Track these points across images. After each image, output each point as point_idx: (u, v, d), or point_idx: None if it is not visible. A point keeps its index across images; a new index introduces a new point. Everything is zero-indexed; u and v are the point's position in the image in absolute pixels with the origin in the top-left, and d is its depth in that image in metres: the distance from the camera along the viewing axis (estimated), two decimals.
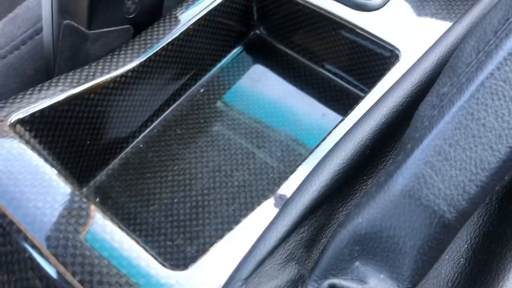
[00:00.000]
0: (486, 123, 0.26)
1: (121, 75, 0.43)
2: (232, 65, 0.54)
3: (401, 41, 0.44)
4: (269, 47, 0.54)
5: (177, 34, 0.46)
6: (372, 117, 0.35)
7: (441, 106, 0.28)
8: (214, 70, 0.53)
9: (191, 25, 0.47)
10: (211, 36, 0.50)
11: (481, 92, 0.27)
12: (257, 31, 0.55)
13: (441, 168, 0.26)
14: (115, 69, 0.43)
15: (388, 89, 0.38)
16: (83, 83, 0.41)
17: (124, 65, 0.43)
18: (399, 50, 0.44)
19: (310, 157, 0.36)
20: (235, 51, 0.54)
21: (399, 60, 0.43)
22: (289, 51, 0.54)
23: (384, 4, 0.47)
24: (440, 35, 0.43)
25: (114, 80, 0.43)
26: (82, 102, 0.41)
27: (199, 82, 0.52)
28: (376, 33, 0.45)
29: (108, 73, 0.42)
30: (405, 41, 0.44)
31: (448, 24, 0.44)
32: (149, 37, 0.46)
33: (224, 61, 0.54)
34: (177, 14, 0.48)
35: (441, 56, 0.40)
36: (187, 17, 0.48)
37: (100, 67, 0.43)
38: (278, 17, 0.52)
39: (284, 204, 0.31)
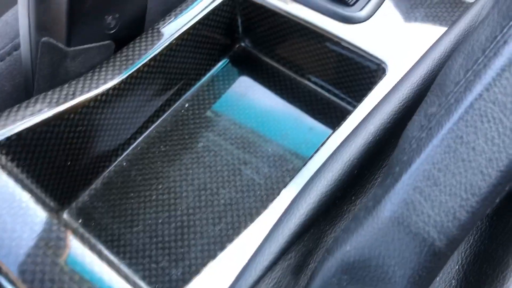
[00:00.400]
0: (476, 147, 0.25)
1: (102, 93, 0.42)
2: (218, 78, 0.53)
3: (387, 54, 0.43)
4: (254, 60, 0.53)
5: (160, 49, 0.45)
6: (359, 135, 0.35)
7: (429, 128, 0.27)
8: (199, 84, 0.52)
9: (174, 39, 0.46)
10: (195, 50, 0.49)
11: (470, 114, 0.26)
12: (242, 44, 0.54)
13: (430, 194, 0.25)
14: (96, 87, 0.42)
15: (375, 106, 0.37)
16: (62, 103, 0.40)
17: (105, 82, 0.42)
18: (385, 64, 0.43)
19: (298, 176, 0.35)
20: (220, 64, 0.53)
21: (386, 74, 0.42)
22: (275, 64, 0.53)
23: (370, 17, 0.46)
24: (427, 47, 0.43)
25: (95, 98, 0.41)
26: (61, 123, 0.40)
27: (184, 97, 0.51)
28: (362, 47, 0.44)
29: (88, 91, 0.41)
30: (391, 54, 0.43)
31: (434, 36, 0.44)
32: (130, 53, 0.45)
33: (209, 74, 0.53)
34: (160, 28, 0.47)
35: (429, 71, 0.39)
36: (170, 31, 0.47)
37: (80, 85, 0.41)
38: (263, 30, 0.51)
39: (271, 229, 0.30)
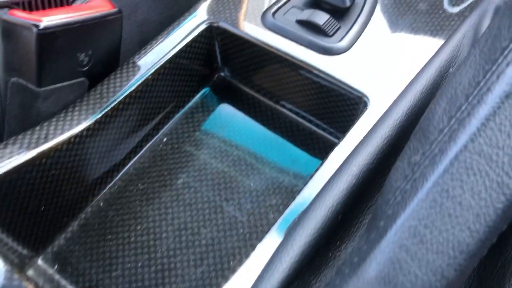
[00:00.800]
0: (463, 201, 0.24)
1: (76, 135, 0.40)
2: (197, 110, 0.51)
3: (368, 86, 0.43)
4: (234, 90, 0.52)
5: (135, 85, 0.44)
6: (342, 179, 0.33)
7: (413, 179, 0.26)
8: (178, 116, 0.51)
9: (150, 74, 0.45)
10: (173, 82, 0.48)
11: (456, 166, 0.25)
12: (222, 74, 0.53)
13: (417, 252, 0.24)
14: (69, 129, 0.40)
15: (358, 145, 0.36)
16: (33, 148, 0.38)
17: (78, 123, 0.41)
18: (367, 97, 0.42)
19: (280, 222, 0.34)
20: (199, 95, 0.52)
21: (367, 107, 0.41)
22: (255, 94, 0.52)
23: (350, 47, 0.45)
24: (408, 78, 0.42)
25: (68, 141, 0.40)
26: (33, 169, 0.38)
27: (162, 131, 0.49)
28: (342, 79, 0.43)
29: (61, 133, 0.40)
30: (372, 87, 0.43)
31: (415, 67, 0.43)
32: (105, 90, 0.43)
33: (188, 106, 0.51)
34: (136, 62, 0.46)
35: (411, 106, 0.38)
36: (147, 65, 0.46)
37: (52, 127, 0.40)
38: (241, 60, 0.50)
39: (253, 285, 0.29)
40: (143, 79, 0.44)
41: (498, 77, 0.26)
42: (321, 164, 0.37)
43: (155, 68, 0.45)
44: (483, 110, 0.26)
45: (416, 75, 0.41)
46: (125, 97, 0.43)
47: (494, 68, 0.27)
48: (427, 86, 0.40)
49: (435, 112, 0.29)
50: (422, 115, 0.39)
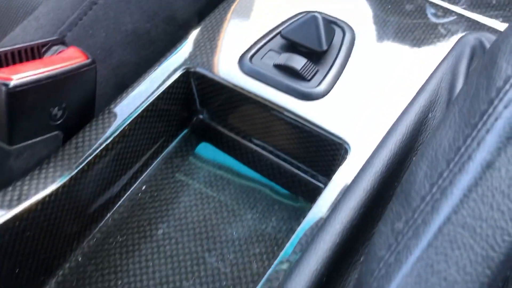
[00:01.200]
0: (448, 277, 0.24)
1: (51, 194, 0.39)
2: (176, 155, 0.50)
3: (348, 132, 0.42)
4: (214, 132, 0.52)
5: (112, 137, 0.43)
6: (325, 238, 0.33)
7: (397, 251, 0.26)
8: (156, 162, 0.50)
9: (127, 124, 0.44)
10: (150, 129, 0.47)
11: (439, 240, 0.25)
12: (201, 116, 0.52)
13: None
14: (44, 188, 0.39)
15: (340, 199, 0.36)
16: (6, 211, 0.37)
17: (53, 181, 0.39)
18: (348, 144, 0.42)
19: (264, 283, 0.33)
20: (178, 139, 0.51)
21: (348, 154, 0.41)
22: (234, 136, 0.51)
23: (328, 92, 0.45)
24: (387, 123, 0.42)
25: (43, 200, 0.38)
26: (5, 233, 0.37)
27: (141, 179, 0.48)
28: (322, 125, 0.43)
29: (35, 193, 0.38)
30: (352, 132, 0.42)
31: (394, 111, 0.43)
32: (80, 144, 0.42)
33: (166, 151, 0.50)
34: (112, 110, 0.45)
35: (392, 155, 0.38)
36: (123, 114, 0.45)
37: (26, 187, 0.38)
38: (220, 104, 0.49)
39: None
40: (120, 130, 0.43)
41: (478, 144, 0.26)
42: (306, 219, 0.37)
43: (132, 118, 0.44)
44: (465, 180, 0.25)
45: (396, 121, 0.41)
46: (101, 150, 0.42)
47: (474, 133, 0.26)
48: (406, 133, 0.39)
49: (416, 175, 0.28)
50: (403, 165, 0.39)
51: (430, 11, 0.52)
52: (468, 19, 0.51)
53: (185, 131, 0.52)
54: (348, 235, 0.34)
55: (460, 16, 0.51)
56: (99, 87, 0.47)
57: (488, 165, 0.25)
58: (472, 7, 0.54)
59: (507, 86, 0.27)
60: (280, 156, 0.49)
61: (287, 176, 0.48)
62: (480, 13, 0.53)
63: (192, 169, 0.49)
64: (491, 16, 0.53)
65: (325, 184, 0.46)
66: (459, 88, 0.42)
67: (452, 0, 0.54)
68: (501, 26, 0.51)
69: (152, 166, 0.49)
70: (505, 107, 0.26)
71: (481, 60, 0.33)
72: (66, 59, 0.42)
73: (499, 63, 0.28)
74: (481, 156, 0.25)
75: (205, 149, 0.51)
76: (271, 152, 0.49)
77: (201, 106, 0.51)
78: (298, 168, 0.48)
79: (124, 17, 0.54)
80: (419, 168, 0.29)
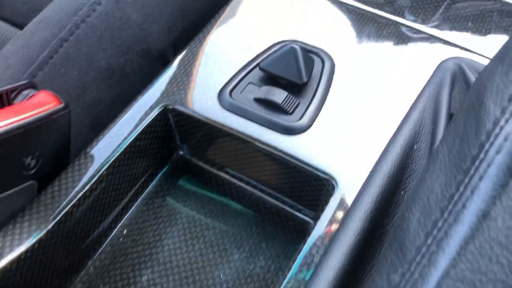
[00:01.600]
0: None
1: (27, 251, 0.37)
2: (157, 195, 0.49)
3: (334, 167, 0.41)
4: (195, 168, 0.50)
5: (90, 184, 0.41)
6: (319, 285, 0.32)
7: None
8: (137, 204, 0.48)
9: (104, 170, 0.42)
10: (129, 172, 0.46)
11: None
12: (181, 152, 0.51)
13: None
14: (19, 245, 0.37)
15: (331, 243, 0.34)
16: None
17: (29, 236, 0.37)
18: (335, 180, 0.41)
19: None
20: (158, 177, 0.50)
21: (335, 190, 0.40)
22: (217, 172, 0.50)
23: (311, 125, 0.44)
24: (373, 156, 0.41)
25: (19, 258, 0.36)
26: None
27: (121, 223, 0.47)
28: (307, 160, 0.42)
29: (10, 251, 0.36)
30: (338, 167, 0.41)
31: (378, 143, 0.42)
32: (56, 193, 0.40)
33: (147, 191, 0.49)
34: (88, 155, 0.43)
35: (380, 192, 0.37)
36: (100, 158, 0.43)
37: None
38: (200, 140, 0.48)
39: None
40: (97, 175, 0.42)
41: (472, 193, 0.25)
42: (294, 266, 0.36)
43: (110, 161, 0.43)
44: (461, 231, 0.24)
45: (381, 155, 0.40)
46: (79, 199, 0.40)
47: (466, 180, 0.26)
48: (393, 167, 0.39)
49: (409, 223, 0.27)
50: (392, 200, 0.38)
51: (406, 34, 0.52)
52: (445, 41, 0.50)
53: (165, 169, 0.50)
54: (341, 282, 0.33)
55: (436, 38, 0.51)
56: (73, 126, 0.45)
57: (484, 215, 0.24)
58: (445, 22, 0.53)
59: (497, 129, 0.26)
60: (264, 190, 0.48)
61: (272, 211, 0.47)
62: (453, 28, 0.53)
63: (174, 209, 0.48)
64: (465, 29, 0.52)
65: (313, 219, 0.46)
66: (443, 118, 0.41)
67: (425, 18, 0.54)
68: (476, 46, 0.50)
69: (132, 208, 0.47)
70: (497, 152, 0.25)
71: (467, 97, 0.32)
72: (38, 105, 0.40)
73: (486, 103, 0.28)
74: (476, 205, 0.25)
75: (187, 186, 0.49)
76: (255, 187, 0.48)
77: (181, 142, 0.50)
78: (284, 202, 0.47)
79: (96, 53, 0.53)
80: (412, 215, 0.28)
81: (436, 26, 0.53)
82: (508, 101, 0.27)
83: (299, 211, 0.47)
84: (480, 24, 0.53)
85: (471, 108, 0.29)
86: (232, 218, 0.47)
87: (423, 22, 0.53)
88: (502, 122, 0.26)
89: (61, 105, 0.41)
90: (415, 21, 0.53)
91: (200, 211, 0.47)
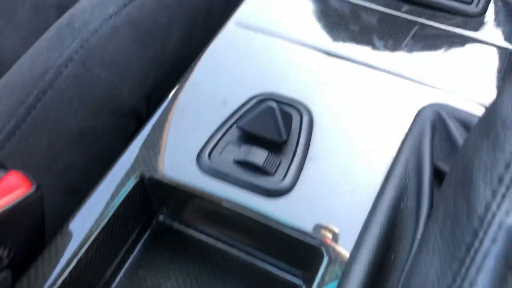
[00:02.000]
0: None
1: None
2: (139, 265, 0.47)
3: (321, 230, 0.40)
4: (176, 234, 0.48)
5: (68, 268, 0.39)
6: None
7: None
8: (118, 280, 0.46)
9: (83, 252, 0.40)
10: (109, 247, 0.44)
11: None
12: (160, 218, 0.49)
13: None
14: None
15: None
16: None
17: None
18: (323, 244, 0.40)
19: None
20: (138, 247, 0.48)
21: (324, 256, 0.39)
22: (199, 236, 0.48)
23: (294, 185, 0.43)
24: (359, 217, 0.40)
25: None
26: None
27: None
28: (292, 224, 0.41)
29: None
30: (325, 231, 0.40)
31: (364, 202, 0.41)
32: (33, 282, 0.38)
33: (128, 264, 0.47)
34: (65, 235, 0.41)
35: (370, 260, 0.37)
36: (77, 238, 0.41)
37: None
38: (180, 206, 0.47)
39: None
40: (76, 258, 0.40)
41: (470, 287, 0.24)
42: None
43: (89, 240, 0.41)
44: None
45: (368, 217, 0.39)
46: (57, 285, 0.38)
47: (463, 271, 0.25)
48: (381, 231, 0.38)
49: None
50: (383, 267, 0.38)
51: (382, 79, 0.51)
52: (423, 84, 0.50)
53: (145, 237, 0.48)
54: None
55: (412, 81, 0.50)
56: (47, 197, 0.43)
57: None
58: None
59: (489, 216, 0.25)
60: (250, 252, 0.46)
61: (260, 274, 0.46)
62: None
63: (158, 279, 0.46)
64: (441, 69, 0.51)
65: (303, 280, 0.44)
66: (427, 172, 0.41)
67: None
68: (449, 86, 0.50)
69: (114, 284, 0.45)
70: (493, 242, 0.24)
71: (453, 169, 0.31)
72: (7, 190, 0.38)
73: (476, 184, 0.27)
74: None
75: (169, 259, 0.47)
76: (240, 250, 0.47)
77: (161, 207, 0.48)
78: (271, 264, 0.46)
79: (66, 117, 0.51)
80: None
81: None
82: (498, 183, 0.26)
83: (288, 272, 0.45)
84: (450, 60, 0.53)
85: (459, 185, 0.29)
86: (219, 284, 0.46)
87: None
88: (494, 207, 0.25)
89: (33, 189, 0.38)
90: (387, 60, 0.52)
91: (186, 282, 0.45)
